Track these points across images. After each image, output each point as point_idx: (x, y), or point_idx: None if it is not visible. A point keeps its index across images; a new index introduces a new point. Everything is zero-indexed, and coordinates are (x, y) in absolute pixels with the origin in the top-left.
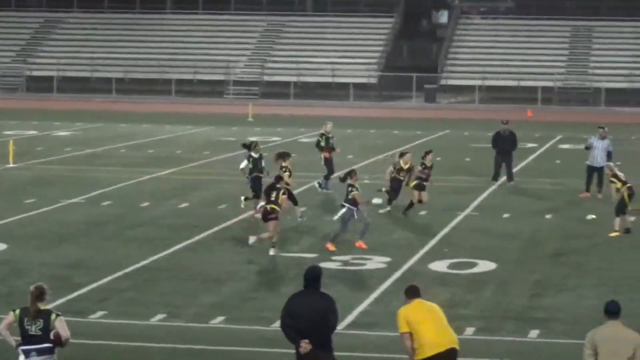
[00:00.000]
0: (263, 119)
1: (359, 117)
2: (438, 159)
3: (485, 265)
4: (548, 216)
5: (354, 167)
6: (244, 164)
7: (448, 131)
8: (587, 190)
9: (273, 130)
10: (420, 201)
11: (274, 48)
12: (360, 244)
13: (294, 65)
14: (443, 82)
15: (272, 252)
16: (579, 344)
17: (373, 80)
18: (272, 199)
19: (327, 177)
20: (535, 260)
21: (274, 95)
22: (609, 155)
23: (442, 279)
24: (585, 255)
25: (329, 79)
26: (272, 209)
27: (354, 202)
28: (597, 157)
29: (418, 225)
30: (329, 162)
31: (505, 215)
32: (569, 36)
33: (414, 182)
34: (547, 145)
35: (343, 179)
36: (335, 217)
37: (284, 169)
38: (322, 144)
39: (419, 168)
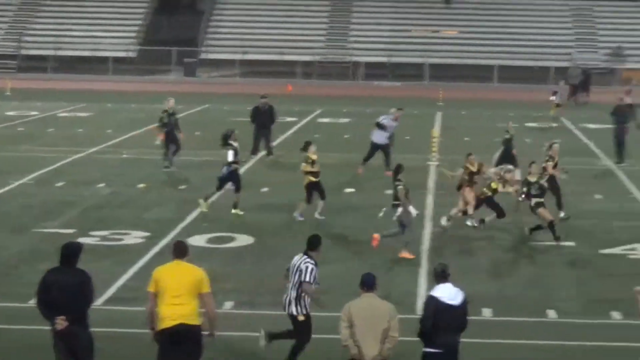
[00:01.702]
0: (21, 93)
1: (119, 91)
2: (197, 133)
3: (243, 240)
4: None
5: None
6: (231, 155)
7: (208, 105)
8: (364, 164)
9: (32, 104)
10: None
11: (31, 21)
12: (405, 254)
13: (52, 39)
14: (203, 56)
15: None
16: (336, 316)
17: (132, 54)
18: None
19: (166, 154)
20: (294, 233)
21: (32, 69)
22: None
23: (202, 253)
24: (345, 227)
25: (88, 53)
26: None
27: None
28: (387, 135)
29: (176, 200)
30: (169, 141)
31: (264, 190)
32: (328, 10)
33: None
34: (306, 119)
35: (395, 175)
36: (381, 214)
37: (308, 159)
38: (165, 120)
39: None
